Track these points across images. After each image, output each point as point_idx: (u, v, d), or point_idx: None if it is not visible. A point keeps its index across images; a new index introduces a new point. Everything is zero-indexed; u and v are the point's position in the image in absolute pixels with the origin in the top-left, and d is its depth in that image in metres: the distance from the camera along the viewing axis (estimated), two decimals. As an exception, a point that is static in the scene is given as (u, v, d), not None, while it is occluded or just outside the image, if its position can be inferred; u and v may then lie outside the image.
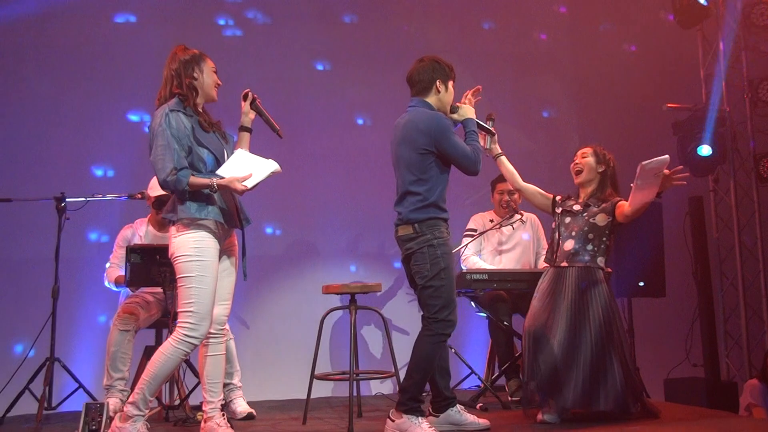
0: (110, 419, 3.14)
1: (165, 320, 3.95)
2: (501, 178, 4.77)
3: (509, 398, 4.17)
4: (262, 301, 5.46)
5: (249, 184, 2.95)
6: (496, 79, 6.05)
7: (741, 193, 6.13)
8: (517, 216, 4.61)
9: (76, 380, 4.03)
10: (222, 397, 3.17)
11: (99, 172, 5.19)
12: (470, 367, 4.49)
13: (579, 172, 3.74)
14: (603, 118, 6.13)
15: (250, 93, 3.27)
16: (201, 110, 3.14)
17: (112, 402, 3.77)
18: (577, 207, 3.71)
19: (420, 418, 3.13)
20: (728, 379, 5.80)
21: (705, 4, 5.76)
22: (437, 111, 3.28)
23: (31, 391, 3.90)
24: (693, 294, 5.62)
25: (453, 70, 3.35)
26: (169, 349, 2.94)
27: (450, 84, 3.33)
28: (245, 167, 3.00)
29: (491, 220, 4.78)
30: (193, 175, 2.96)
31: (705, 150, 5.78)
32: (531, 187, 3.87)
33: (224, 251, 3.12)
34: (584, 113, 6.30)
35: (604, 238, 3.62)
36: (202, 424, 3.10)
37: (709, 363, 5.41)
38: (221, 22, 5.74)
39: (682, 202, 5.71)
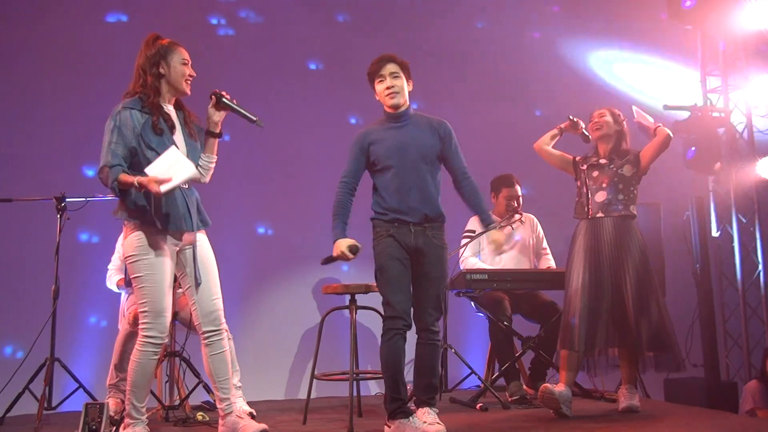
0: (110, 419, 3.13)
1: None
2: (507, 182, 4.77)
3: (509, 399, 4.17)
4: (262, 301, 5.46)
5: (164, 188, 2.82)
6: (489, 77, 6.04)
7: (741, 193, 6.13)
8: (516, 216, 4.61)
9: (76, 380, 4.03)
10: (241, 393, 3.16)
11: (90, 173, 5.19)
12: (470, 367, 4.50)
13: (599, 128, 3.93)
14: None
15: (214, 94, 3.09)
16: (168, 107, 3.05)
17: (113, 402, 3.79)
18: (603, 161, 3.90)
19: (410, 417, 3.14)
20: (728, 379, 5.80)
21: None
22: (388, 112, 3.31)
23: (31, 391, 3.90)
24: (693, 294, 5.61)
25: (372, 69, 3.29)
26: (137, 354, 2.96)
27: (376, 86, 3.30)
28: (171, 168, 2.87)
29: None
30: (125, 173, 2.87)
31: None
32: (552, 150, 4.06)
33: (187, 248, 3.05)
34: (579, 112, 6.30)
35: (632, 188, 3.85)
36: (221, 421, 3.09)
37: (709, 363, 5.41)
38: (214, 21, 5.73)
39: (682, 202, 5.72)
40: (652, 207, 5.33)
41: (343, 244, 3.18)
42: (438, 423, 3.13)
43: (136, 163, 2.94)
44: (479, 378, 4.42)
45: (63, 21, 5.28)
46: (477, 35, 6.32)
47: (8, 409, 3.90)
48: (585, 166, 3.94)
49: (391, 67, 3.25)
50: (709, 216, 6.11)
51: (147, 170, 2.85)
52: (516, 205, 4.72)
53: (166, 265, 2.96)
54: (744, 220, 6.11)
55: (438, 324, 3.25)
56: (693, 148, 5.87)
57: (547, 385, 3.65)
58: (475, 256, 4.79)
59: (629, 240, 3.77)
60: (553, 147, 4.04)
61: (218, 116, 3.09)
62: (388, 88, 3.23)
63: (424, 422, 3.11)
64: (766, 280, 5.97)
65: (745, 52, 6.06)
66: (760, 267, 6.00)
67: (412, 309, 3.21)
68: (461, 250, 4.65)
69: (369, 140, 3.27)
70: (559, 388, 3.63)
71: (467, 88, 6.01)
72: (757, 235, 6.03)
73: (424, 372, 3.22)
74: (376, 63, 3.28)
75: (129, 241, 2.95)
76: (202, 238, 3.12)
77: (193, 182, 3.09)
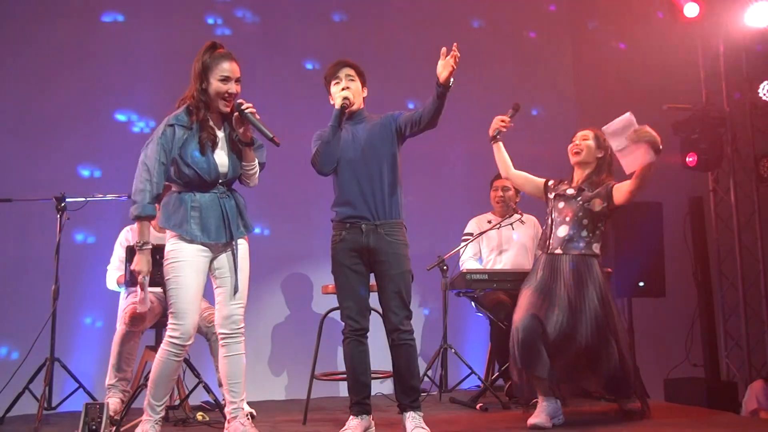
0: (110, 419, 3.13)
1: (164, 320, 3.95)
2: (498, 176, 4.77)
3: (508, 399, 4.16)
4: (262, 301, 5.47)
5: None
6: (485, 77, 6.04)
7: (741, 193, 6.13)
8: (516, 216, 4.60)
9: (76, 380, 4.03)
10: (244, 396, 3.17)
11: (86, 173, 5.19)
12: (470, 367, 4.49)
13: (578, 153, 3.63)
14: (598, 116, 6.11)
15: (234, 109, 3.02)
16: (212, 121, 3.03)
17: (113, 402, 3.79)
18: (570, 191, 3.61)
19: (351, 417, 3.19)
20: (728, 379, 5.80)
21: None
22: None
23: (31, 391, 3.90)
24: (693, 294, 5.62)
25: (329, 71, 3.32)
26: (160, 353, 2.98)
27: (331, 88, 3.32)
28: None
29: (489, 221, 4.78)
30: (145, 217, 2.93)
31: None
32: (521, 175, 3.79)
33: (222, 251, 3.06)
34: (576, 111, 6.30)
35: (599, 224, 3.55)
36: (226, 424, 3.09)
37: (709, 363, 5.42)
38: (210, 21, 5.73)
39: (682, 202, 5.72)
40: (652, 207, 5.34)
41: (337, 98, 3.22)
42: (422, 428, 3.12)
43: (176, 171, 2.96)
44: (479, 378, 4.42)
45: (60, 21, 5.28)
46: (473, 35, 6.32)
47: (8, 409, 3.89)
48: (553, 195, 3.66)
49: (347, 71, 3.29)
50: (709, 216, 6.11)
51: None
52: (503, 195, 4.72)
53: (195, 271, 2.98)
54: (744, 220, 6.11)
55: (408, 323, 3.18)
56: (693, 148, 5.87)
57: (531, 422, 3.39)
58: (475, 258, 4.78)
59: (588, 280, 3.46)
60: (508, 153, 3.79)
61: (241, 127, 3.03)
62: (343, 89, 3.25)
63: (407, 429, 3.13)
64: (766, 280, 5.97)
65: (745, 52, 6.06)
66: (760, 267, 6.00)
67: (367, 312, 3.24)
68: (461, 251, 4.65)
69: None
70: (536, 417, 3.38)
71: (463, 87, 6.01)
72: (757, 235, 6.03)
73: (401, 374, 3.19)
74: (332, 67, 3.32)
75: (167, 246, 3.00)
76: (241, 244, 3.11)
77: (242, 185, 3.15)
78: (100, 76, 5.27)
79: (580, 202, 3.54)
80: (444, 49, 3.05)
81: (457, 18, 6.24)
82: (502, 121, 3.72)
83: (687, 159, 5.89)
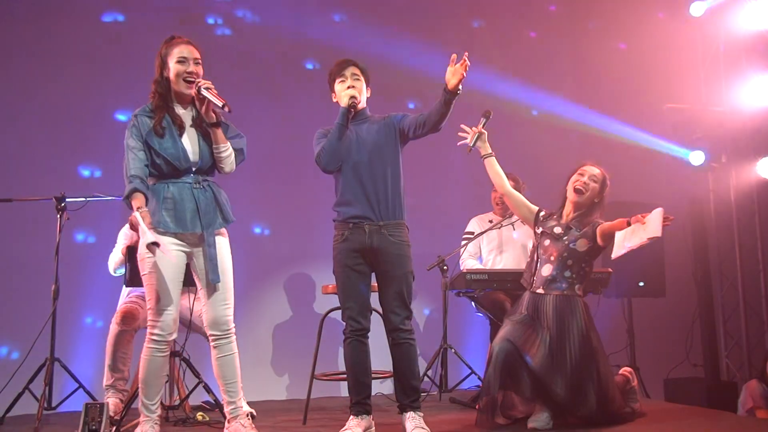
0: (110, 419, 3.13)
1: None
2: None
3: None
4: (262, 301, 5.47)
5: (148, 237, 2.86)
6: (485, 76, 6.04)
7: (741, 193, 6.13)
8: (516, 216, 4.59)
9: (76, 380, 4.04)
10: (242, 395, 3.17)
11: (86, 173, 5.19)
12: (470, 367, 4.50)
13: (580, 192, 3.51)
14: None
15: (193, 89, 3.01)
16: (180, 108, 3.07)
17: (112, 402, 3.79)
18: (558, 229, 3.52)
19: (351, 417, 3.19)
20: (728, 379, 5.81)
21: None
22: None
23: (31, 391, 3.90)
24: (693, 294, 5.62)
25: (335, 69, 3.32)
26: (144, 351, 2.99)
27: (335, 86, 3.32)
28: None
29: (490, 221, 4.78)
30: (141, 185, 2.95)
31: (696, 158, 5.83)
32: (517, 197, 3.69)
33: (198, 246, 3.04)
34: (576, 113, 6.30)
35: (584, 264, 3.48)
36: (226, 424, 3.09)
37: (709, 363, 5.43)
38: (210, 21, 5.73)
39: (682, 202, 5.72)
40: (652, 207, 5.33)
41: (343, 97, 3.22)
42: (422, 428, 3.13)
43: (150, 163, 3.00)
44: (479, 378, 4.42)
45: (60, 20, 5.27)
46: (474, 34, 6.32)
47: (8, 409, 3.89)
48: (540, 230, 3.57)
49: (353, 70, 3.29)
50: (709, 216, 6.11)
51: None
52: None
53: (171, 265, 2.97)
54: (744, 220, 6.11)
55: (408, 323, 3.20)
56: (693, 148, 5.87)
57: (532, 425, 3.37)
58: (475, 257, 4.78)
59: (570, 321, 3.39)
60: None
61: (203, 106, 3.02)
62: (349, 87, 3.25)
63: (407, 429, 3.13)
64: (766, 280, 5.97)
65: (746, 52, 6.06)
66: (760, 267, 6.00)
67: (369, 313, 3.24)
68: (461, 251, 4.65)
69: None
70: (536, 419, 3.35)
71: (463, 87, 6.02)
72: (757, 235, 6.03)
73: (401, 374, 3.20)
74: (338, 65, 3.32)
75: (141, 241, 2.98)
76: (219, 240, 3.08)
77: (219, 174, 3.13)
78: (100, 76, 5.26)
79: (566, 242, 3.47)
80: (454, 56, 3.06)
81: (457, 18, 6.24)
82: (474, 131, 3.54)
83: (687, 159, 5.89)
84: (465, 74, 3.04)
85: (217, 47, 5.57)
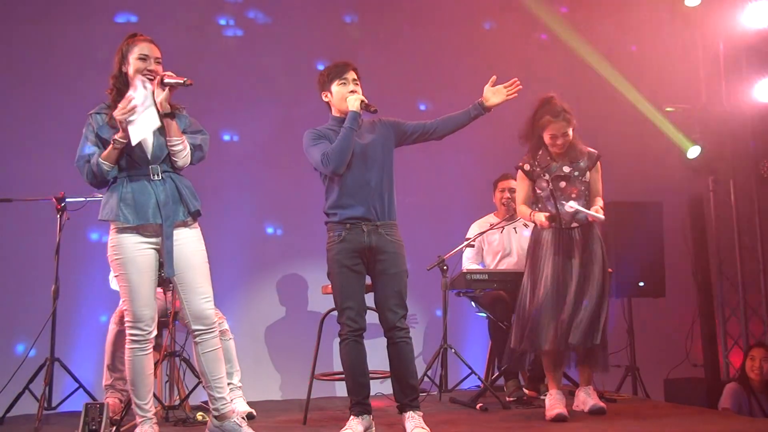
0: (110, 419, 3.13)
1: (164, 320, 3.95)
2: (503, 176, 4.76)
3: (507, 399, 4.16)
4: (262, 301, 5.47)
5: (134, 136, 2.86)
6: (496, 78, 6.03)
7: (741, 194, 6.13)
8: (519, 219, 4.58)
9: (76, 380, 4.03)
10: (242, 394, 3.16)
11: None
12: (470, 367, 4.49)
13: (563, 146, 3.72)
14: (602, 117, 6.12)
15: (156, 79, 3.00)
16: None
17: (112, 402, 3.78)
18: (567, 168, 3.72)
19: (352, 417, 3.19)
20: (728, 379, 5.80)
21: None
22: (338, 116, 3.34)
23: (31, 391, 3.90)
24: (693, 294, 5.62)
25: (335, 70, 3.35)
26: (126, 353, 3.01)
27: (333, 86, 3.33)
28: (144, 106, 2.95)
29: (491, 224, 4.75)
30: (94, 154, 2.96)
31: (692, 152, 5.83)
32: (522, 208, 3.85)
33: (159, 241, 3.01)
34: (583, 112, 6.28)
35: (586, 190, 3.76)
36: (215, 421, 3.09)
37: (709, 363, 5.42)
38: (222, 22, 5.74)
39: (682, 202, 5.72)
40: (652, 206, 5.34)
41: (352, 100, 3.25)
42: (422, 427, 3.13)
43: None
44: (479, 378, 4.42)
45: (71, 21, 5.27)
46: (484, 36, 6.30)
47: (8, 409, 3.89)
48: (548, 176, 3.72)
49: (354, 74, 3.34)
50: (709, 216, 6.11)
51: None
52: (510, 197, 4.70)
53: (140, 263, 2.96)
54: (744, 221, 6.11)
55: (405, 321, 3.23)
56: (693, 148, 5.87)
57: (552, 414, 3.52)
58: (477, 264, 4.76)
59: (595, 244, 3.69)
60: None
61: (167, 93, 2.99)
62: (351, 91, 3.29)
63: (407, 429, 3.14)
64: (766, 280, 5.97)
65: (746, 52, 6.06)
66: (760, 267, 6.00)
67: (365, 312, 3.26)
68: (462, 252, 4.63)
69: (327, 139, 3.30)
70: (555, 409, 3.52)
71: (473, 89, 6.01)
72: (757, 235, 6.03)
73: (399, 373, 3.21)
74: (337, 66, 3.35)
75: (108, 242, 3.00)
76: (186, 233, 3.04)
77: (177, 168, 3.08)
78: (104, 75, 5.26)
79: (579, 177, 3.71)
80: (495, 77, 3.26)
81: (468, 20, 6.23)
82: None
83: (687, 159, 5.89)
84: (508, 99, 3.22)
85: (228, 48, 5.58)
